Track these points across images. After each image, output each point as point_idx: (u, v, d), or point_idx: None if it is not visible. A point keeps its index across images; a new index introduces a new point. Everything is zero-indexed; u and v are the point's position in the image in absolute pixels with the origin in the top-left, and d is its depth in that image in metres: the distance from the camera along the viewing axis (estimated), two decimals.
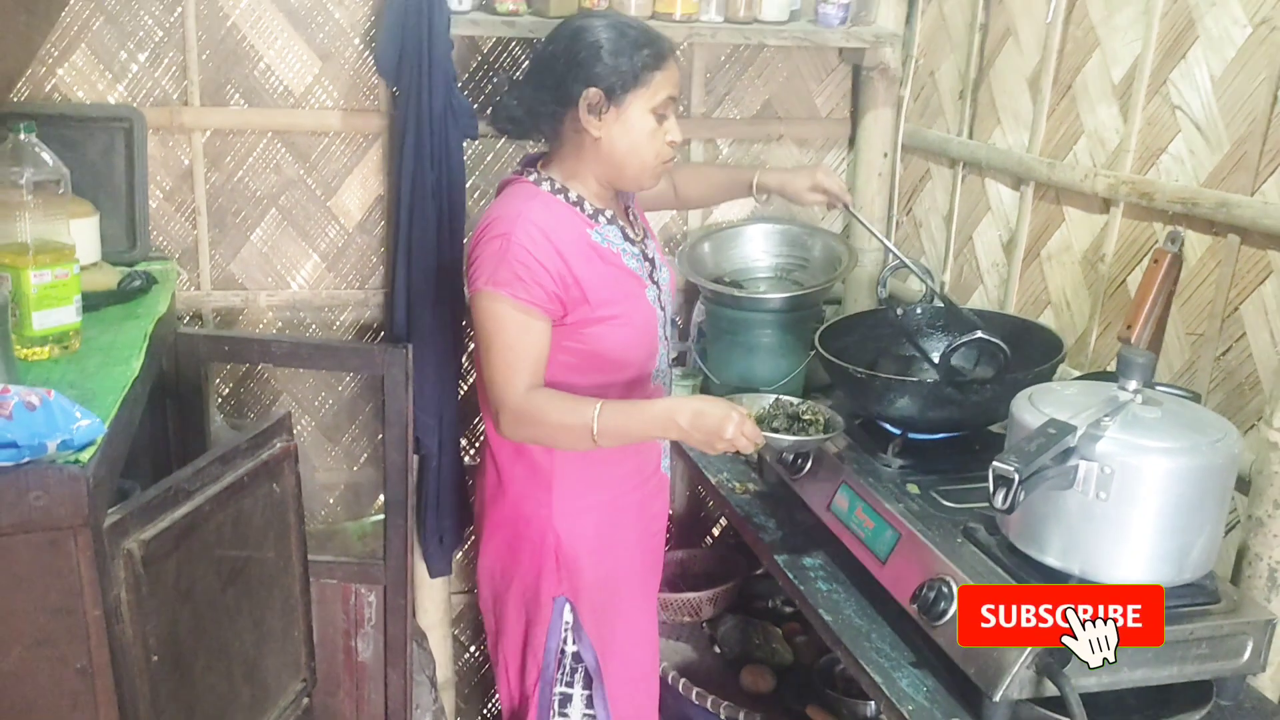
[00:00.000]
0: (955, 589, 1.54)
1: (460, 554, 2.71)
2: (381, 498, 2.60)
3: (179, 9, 2.29)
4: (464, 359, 2.53)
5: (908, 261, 2.10)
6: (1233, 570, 1.66)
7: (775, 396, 1.95)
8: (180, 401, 2.23)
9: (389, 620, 2.46)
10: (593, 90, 1.70)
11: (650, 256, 1.89)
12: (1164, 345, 1.93)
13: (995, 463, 1.33)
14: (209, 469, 1.63)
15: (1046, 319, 2.24)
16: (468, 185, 2.56)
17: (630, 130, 1.73)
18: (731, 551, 2.71)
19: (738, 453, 1.68)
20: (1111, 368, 2.07)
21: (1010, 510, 1.33)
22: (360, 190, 2.51)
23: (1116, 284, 2.05)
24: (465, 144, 2.44)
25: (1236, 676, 1.52)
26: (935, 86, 2.60)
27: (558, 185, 1.79)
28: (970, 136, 2.46)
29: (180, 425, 2.26)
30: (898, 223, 2.78)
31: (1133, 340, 1.90)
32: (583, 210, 1.79)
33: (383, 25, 2.30)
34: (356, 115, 2.45)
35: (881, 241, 2.21)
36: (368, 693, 2.53)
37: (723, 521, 2.89)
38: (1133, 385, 1.51)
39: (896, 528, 1.72)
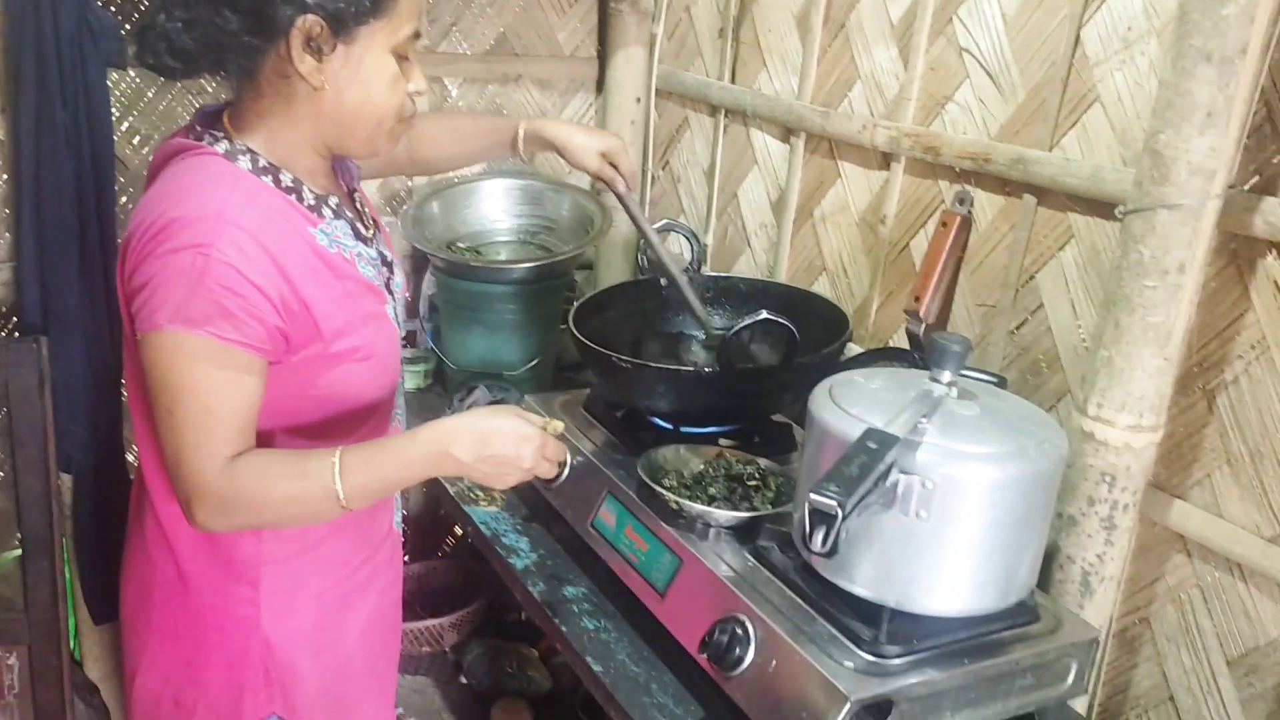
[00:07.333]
0: (752, 631, 1.26)
1: None
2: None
3: None
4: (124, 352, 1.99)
5: (681, 281, 1.74)
6: (1039, 573, 1.49)
7: (719, 450, 1.57)
8: None
9: (38, 687, 1.93)
10: (312, 19, 1.15)
11: (388, 259, 1.41)
12: (952, 317, 1.74)
13: (813, 495, 1.04)
14: None
15: (821, 287, 2.01)
16: (123, 129, 2.02)
17: (364, 78, 1.22)
18: (475, 561, 2.35)
19: (536, 479, 1.28)
20: (895, 341, 1.88)
21: (832, 553, 1.05)
22: None
23: (899, 248, 1.84)
24: (113, 75, 1.89)
25: (1059, 703, 1.34)
26: (692, 24, 2.30)
27: (262, 162, 1.23)
28: (733, 80, 2.19)
29: None
30: (653, 177, 2.48)
31: (921, 313, 1.69)
32: (300, 200, 1.26)
33: None
34: None
35: (657, 252, 1.74)
36: None
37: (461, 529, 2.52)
38: (946, 377, 1.28)
39: (676, 551, 1.42)
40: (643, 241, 1.93)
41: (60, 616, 1.87)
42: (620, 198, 1.67)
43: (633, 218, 1.70)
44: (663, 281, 1.92)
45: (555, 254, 2.17)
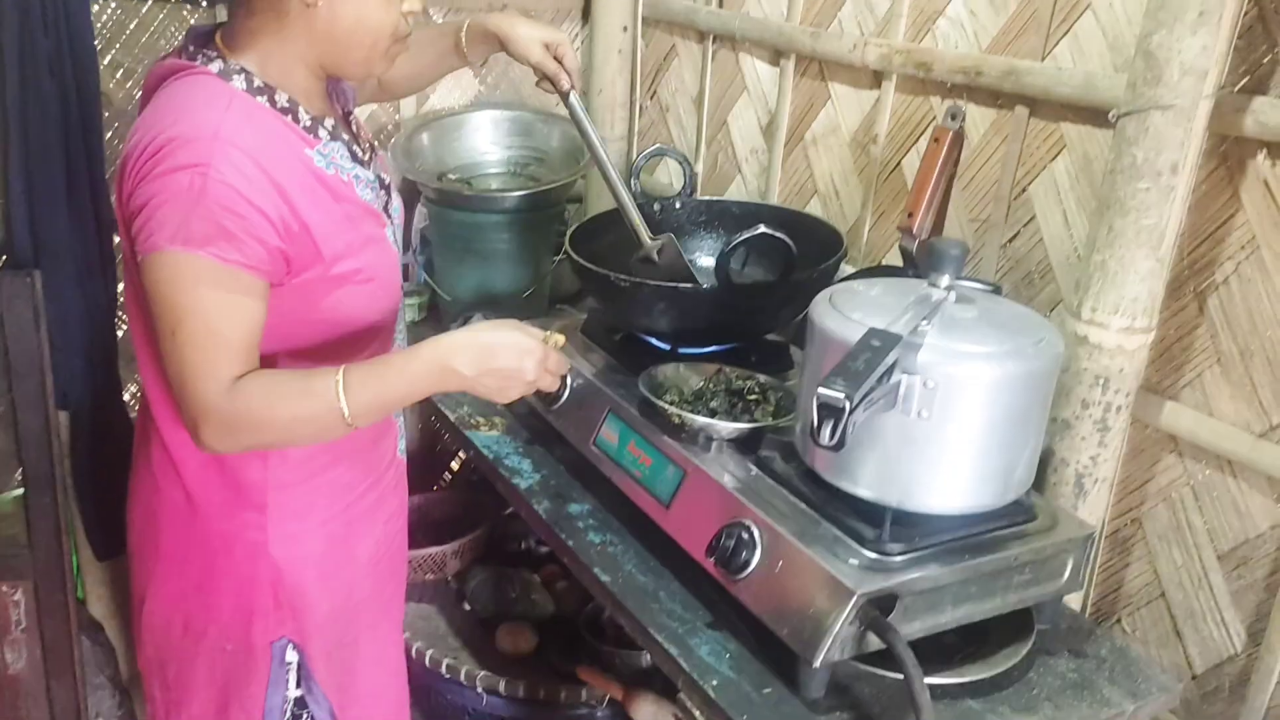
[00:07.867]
0: (758, 535, 1.29)
1: None
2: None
3: None
4: (119, 283, 1.99)
5: (618, 185, 1.69)
6: (1034, 478, 1.52)
7: (718, 367, 1.58)
8: None
9: (45, 622, 1.95)
10: None
11: (386, 183, 1.40)
12: (944, 233, 1.76)
13: (821, 389, 1.06)
14: None
15: (813, 209, 2.02)
16: (106, 63, 1.99)
17: None
18: (475, 490, 2.38)
19: (538, 393, 1.31)
20: (888, 260, 1.89)
21: (840, 446, 1.07)
22: None
23: (891, 168, 1.85)
24: (94, 6, 1.87)
25: (1055, 598, 1.38)
26: None
27: (257, 82, 1.22)
28: (720, 5, 2.18)
29: None
30: (641, 107, 2.47)
31: (914, 230, 1.70)
32: (297, 121, 1.25)
33: None
34: None
35: (596, 155, 1.67)
36: (25, 711, 2.01)
37: (463, 454, 2.54)
38: (945, 281, 1.29)
39: (679, 464, 1.45)
40: (636, 162, 1.93)
41: (65, 550, 1.88)
42: (563, 96, 1.57)
43: (574, 117, 1.61)
44: (656, 206, 1.92)
45: (545, 183, 2.17)
